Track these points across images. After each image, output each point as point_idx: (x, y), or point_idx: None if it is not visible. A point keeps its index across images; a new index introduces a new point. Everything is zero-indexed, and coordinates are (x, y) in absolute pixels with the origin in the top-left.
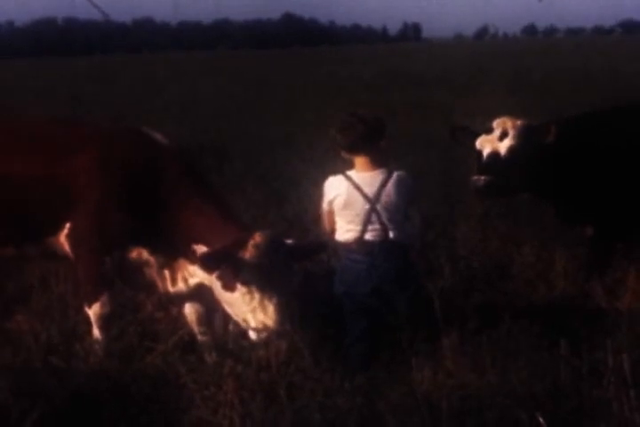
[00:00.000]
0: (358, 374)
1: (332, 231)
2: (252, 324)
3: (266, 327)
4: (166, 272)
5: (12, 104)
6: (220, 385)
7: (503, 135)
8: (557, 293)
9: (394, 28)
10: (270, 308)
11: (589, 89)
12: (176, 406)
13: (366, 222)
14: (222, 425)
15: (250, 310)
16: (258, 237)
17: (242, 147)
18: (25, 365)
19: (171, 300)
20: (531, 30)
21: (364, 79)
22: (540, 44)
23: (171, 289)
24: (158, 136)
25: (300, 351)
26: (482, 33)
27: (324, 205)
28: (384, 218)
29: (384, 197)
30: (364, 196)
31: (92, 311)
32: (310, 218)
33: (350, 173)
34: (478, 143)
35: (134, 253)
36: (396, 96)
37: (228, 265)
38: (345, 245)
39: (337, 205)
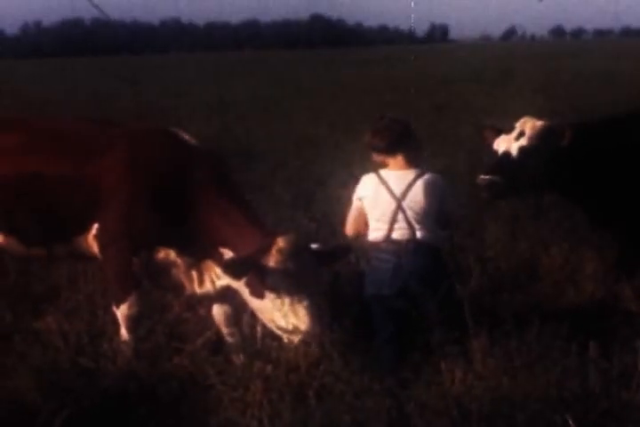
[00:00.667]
0: (388, 375)
1: (355, 231)
2: (286, 329)
3: (299, 331)
4: (194, 273)
5: (40, 104)
6: (248, 386)
7: (519, 135)
8: (586, 295)
9: (421, 29)
10: (301, 311)
11: (617, 90)
12: (204, 408)
13: (393, 221)
14: (250, 426)
15: (282, 316)
16: (281, 242)
17: (270, 147)
18: (53, 365)
19: (198, 301)
20: (558, 31)
21: (391, 80)
22: (567, 46)
23: (198, 290)
24: (187, 137)
25: (330, 353)
26: (509, 34)
27: (353, 202)
28: (410, 217)
29: (411, 196)
30: (391, 193)
31: (120, 312)
32: (338, 219)
33: (382, 171)
34: (496, 143)
35: (162, 254)
36: (424, 97)
37: (253, 272)
38: (373, 245)
39: (367, 204)
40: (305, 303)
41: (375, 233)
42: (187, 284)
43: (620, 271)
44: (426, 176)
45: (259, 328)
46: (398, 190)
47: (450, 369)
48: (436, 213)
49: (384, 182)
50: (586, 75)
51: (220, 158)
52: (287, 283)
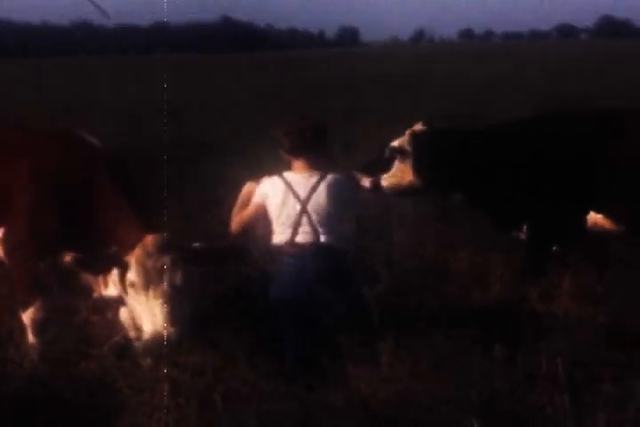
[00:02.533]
0: (294, 379)
1: (240, 228)
2: (145, 326)
3: (154, 330)
4: (102, 278)
5: None
6: (154, 390)
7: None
8: (493, 297)
9: (331, 31)
10: (157, 311)
11: (523, 94)
12: (111, 411)
13: (297, 225)
14: None
15: (142, 311)
16: (147, 240)
17: (179, 151)
18: None
19: (106, 304)
20: (467, 34)
21: (302, 84)
22: (476, 49)
23: (104, 292)
24: (91, 138)
25: (236, 356)
26: (418, 37)
27: (251, 201)
28: (315, 220)
29: (315, 199)
30: (296, 197)
31: (26, 316)
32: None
33: (286, 173)
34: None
35: (68, 258)
36: (334, 101)
37: (113, 268)
38: (277, 248)
39: (272, 207)
40: (160, 301)
41: (280, 236)
42: (95, 286)
43: (526, 273)
44: (329, 178)
45: (165, 331)
46: (303, 194)
47: (356, 372)
48: (341, 215)
49: (289, 185)
50: (492, 79)
51: (120, 157)
52: (147, 280)
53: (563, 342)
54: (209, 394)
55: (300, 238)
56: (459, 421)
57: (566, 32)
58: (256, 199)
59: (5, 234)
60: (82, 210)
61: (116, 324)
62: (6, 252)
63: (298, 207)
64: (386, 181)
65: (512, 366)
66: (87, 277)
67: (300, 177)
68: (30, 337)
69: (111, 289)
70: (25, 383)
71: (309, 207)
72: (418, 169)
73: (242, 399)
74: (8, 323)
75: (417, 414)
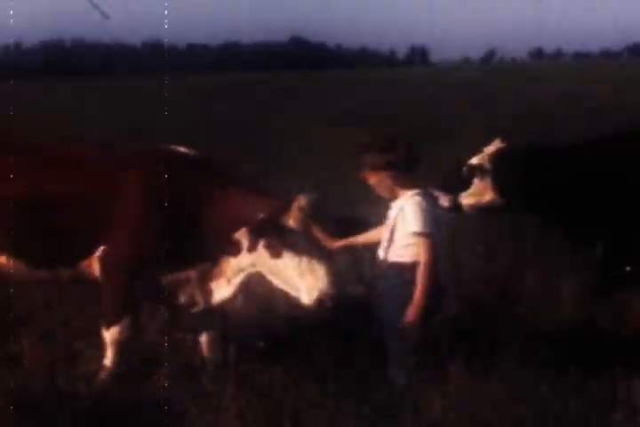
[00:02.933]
0: (364, 400)
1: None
2: (303, 287)
3: (317, 290)
4: (212, 283)
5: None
6: (221, 412)
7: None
8: (564, 319)
9: (401, 51)
10: (320, 269)
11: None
12: None
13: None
14: None
15: (299, 274)
16: (301, 200)
17: (252, 167)
18: (27, 387)
19: (176, 324)
20: (537, 54)
21: (374, 103)
22: (546, 68)
23: (217, 300)
24: (189, 151)
25: (305, 377)
26: (489, 56)
27: (430, 229)
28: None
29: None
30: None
31: (110, 334)
32: None
33: (423, 191)
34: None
35: (171, 274)
36: (405, 121)
37: (273, 231)
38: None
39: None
40: (322, 262)
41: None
42: (201, 297)
43: (598, 295)
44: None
45: (232, 352)
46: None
47: (427, 393)
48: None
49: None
50: (565, 98)
51: (218, 164)
52: (305, 241)
53: (638, 364)
54: (277, 414)
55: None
56: None
57: (637, 51)
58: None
59: (106, 252)
60: (187, 225)
61: (183, 344)
62: (104, 270)
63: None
64: (465, 199)
65: (586, 390)
66: (191, 290)
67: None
68: (109, 356)
69: (227, 291)
70: (92, 402)
71: None
72: (498, 187)
73: (310, 421)
74: (77, 341)
75: None
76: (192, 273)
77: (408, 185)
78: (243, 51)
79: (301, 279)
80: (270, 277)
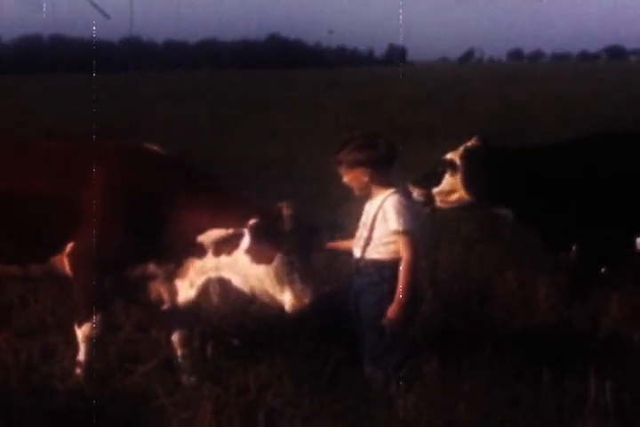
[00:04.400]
0: (338, 399)
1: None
2: (287, 296)
3: (301, 299)
4: (175, 284)
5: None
6: (198, 408)
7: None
8: (539, 319)
9: (379, 50)
10: (308, 279)
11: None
12: None
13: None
14: None
15: (288, 281)
16: (289, 208)
17: (227, 168)
18: (3, 383)
19: (150, 321)
20: (516, 55)
21: (350, 102)
22: (525, 69)
23: (181, 300)
24: (159, 150)
25: (280, 375)
26: (467, 56)
27: (412, 226)
28: None
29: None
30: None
31: (82, 331)
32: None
33: (400, 189)
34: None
35: (138, 271)
36: (383, 119)
37: (256, 239)
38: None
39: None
40: (310, 272)
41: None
42: (167, 296)
43: (573, 295)
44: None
45: (209, 350)
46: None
47: (402, 393)
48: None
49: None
50: (541, 99)
51: (190, 166)
52: (297, 248)
53: (611, 365)
54: (252, 413)
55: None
56: None
57: (615, 53)
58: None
59: (74, 248)
60: (154, 223)
61: (160, 341)
62: (73, 266)
63: None
64: (436, 194)
65: (559, 390)
66: (158, 288)
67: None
68: (81, 352)
69: (189, 293)
70: (68, 399)
71: None
72: (466, 184)
73: (285, 419)
74: (53, 338)
75: None
76: (159, 272)
77: (385, 183)
78: (220, 48)
79: (285, 287)
80: (238, 283)
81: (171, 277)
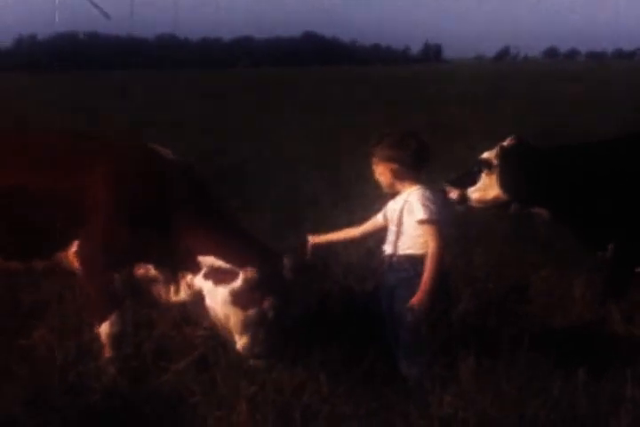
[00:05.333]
0: (374, 398)
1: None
2: (244, 343)
3: (254, 354)
4: (171, 285)
5: (30, 118)
6: (233, 406)
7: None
8: (574, 318)
9: (415, 48)
10: (272, 337)
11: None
12: (189, 426)
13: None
14: None
15: (253, 332)
16: (287, 262)
17: (260, 165)
18: (39, 381)
19: (185, 318)
20: (552, 53)
21: (383, 99)
22: (560, 68)
23: (173, 299)
24: (164, 151)
25: (316, 375)
26: (502, 54)
27: (438, 217)
28: None
29: None
30: (448, 213)
31: (102, 330)
32: None
33: (427, 187)
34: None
35: (141, 270)
36: (416, 116)
37: (258, 287)
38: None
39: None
40: (281, 326)
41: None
42: (163, 294)
43: (609, 294)
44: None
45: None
46: None
47: (438, 391)
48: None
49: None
50: (577, 98)
51: (197, 173)
52: (279, 305)
53: None
54: (287, 412)
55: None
56: None
57: None
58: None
59: (80, 246)
60: (158, 224)
61: (194, 338)
62: (81, 264)
63: None
64: (472, 193)
65: (595, 390)
66: (159, 290)
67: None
68: (107, 351)
69: (181, 294)
70: (104, 397)
71: None
72: (503, 183)
73: (320, 418)
74: (89, 335)
75: None
76: (158, 273)
77: (412, 181)
78: (255, 46)
79: (246, 336)
80: (210, 309)
81: (168, 281)
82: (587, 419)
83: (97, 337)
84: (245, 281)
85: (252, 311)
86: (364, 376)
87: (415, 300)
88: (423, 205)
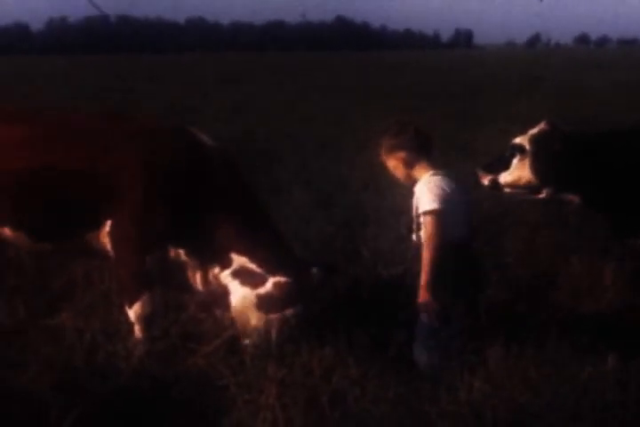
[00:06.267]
0: (403, 382)
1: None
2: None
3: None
4: (199, 272)
5: (63, 100)
6: (262, 389)
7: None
8: (605, 305)
9: (446, 34)
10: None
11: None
12: (217, 409)
13: (470, 224)
14: None
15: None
16: (320, 275)
17: (290, 150)
18: (67, 362)
19: (214, 301)
20: (583, 40)
21: (416, 85)
22: (592, 54)
23: (202, 288)
24: (204, 137)
25: (345, 358)
26: (534, 41)
27: (439, 205)
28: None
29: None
30: (465, 197)
31: (133, 311)
32: (358, 223)
33: (437, 172)
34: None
35: (172, 254)
36: (446, 103)
37: (285, 295)
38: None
39: (450, 206)
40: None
41: (455, 237)
42: (192, 282)
43: (639, 282)
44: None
45: (274, 331)
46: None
47: (467, 377)
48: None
49: (455, 185)
50: (608, 84)
51: (234, 160)
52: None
53: None
54: (316, 395)
55: (470, 239)
56: None
57: None
58: (442, 203)
59: (113, 228)
60: (191, 208)
61: (224, 321)
62: (113, 246)
63: (465, 207)
64: (504, 178)
65: (625, 377)
66: (188, 274)
67: (449, 175)
68: (137, 332)
69: (212, 284)
70: (131, 378)
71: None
72: (535, 168)
73: (349, 401)
74: (116, 317)
75: (526, 421)
76: (188, 259)
77: (423, 167)
78: (286, 30)
79: (256, 335)
80: (233, 309)
81: (196, 269)
82: (616, 406)
83: (125, 319)
84: (274, 289)
85: (274, 317)
86: (394, 360)
87: (419, 297)
88: (422, 195)
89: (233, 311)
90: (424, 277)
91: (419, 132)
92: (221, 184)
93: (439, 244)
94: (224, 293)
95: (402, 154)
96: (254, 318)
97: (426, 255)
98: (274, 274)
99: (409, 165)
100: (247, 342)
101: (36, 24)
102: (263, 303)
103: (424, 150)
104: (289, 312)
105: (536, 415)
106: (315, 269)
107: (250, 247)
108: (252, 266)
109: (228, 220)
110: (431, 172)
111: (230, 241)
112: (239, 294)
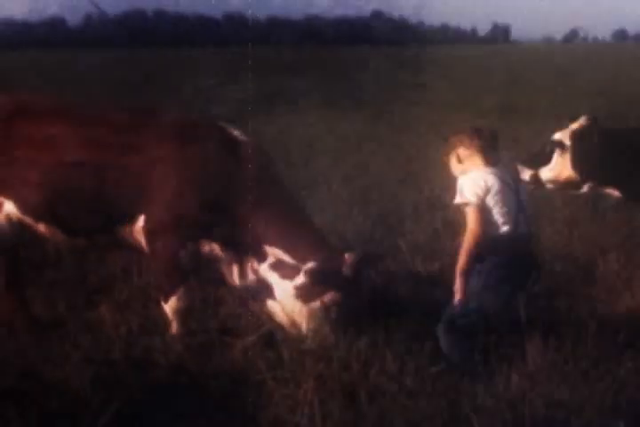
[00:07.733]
0: (441, 377)
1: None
2: (301, 332)
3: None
4: (235, 267)
5: (98, 94)
6: (299, 384)
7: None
8: None
9: (483, 29)
10: (327, 328)
11: None
12: (254, 403)
13: (517, 218)
14: (300, 424)
15: (313, 325)
16: (352, 259)
17: (328, 144)
18: (105, 356)
19: (252, 295)
20: (621, 35)
21: (454, 80)
22: (630, 50)
23: (238, 283)
24: (236, 131)
25: (383, 353)
26: (571, 36)
27: (475, 200)
28: (525, 213)
29: (522, 191)
30: (514, 189)
31: (169, 305)
32: (394, 217)
33: (489, 168)
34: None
35: (206, 248)
36: (487, 98)
37: (321, 282)
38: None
39: (490, 201)
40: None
41: (500, 231)
42: (227, 276)
43: None
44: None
45: (311, 325)
46: (515, 186)
47: (505, 372)
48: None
49: (503, 179)
50: None
51: (266, 154)
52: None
53: None
54: (354, 390)
55: (520, 229)
56: (607, 425)
57: None
58: (479, 198)
59: (148, 221)
60: (225, 203)
61: (262, 316)
62: (148, 240)
63: (515, 199)
64: (544, 174)
65: None
66: (222, 268)
67: (502, 170)
68: (173, 327)
69: (248, 278)
70: (169, 373)
71: (520, 198)
72: (575, 163)
73: (387, 396)
74: (154, 310)
75: (564, 417)
76: (223, 254)
77: (476, 163)
78: (323, 25)
79: (304, 327)
80: (271, 302)
81: (231, 264)
82: None
83: (162, 312)
84: (307, 276)
85: (314, 305)
86: (431, 356)
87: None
88: (460, 189)
89: (278, 305)
90: (458, 266)
91: (476, 130)
92: (253, 178)
93: (476, 235)
94: (262, 286)
95: (460, 149)
96: (298, 309)
97: (464, 246)
98: (305, 261)
99: (464, 159)
100: (284, 336)
101: (74, 19)
102: (302, 292)
103: (481, 146)
104: (327, 298)
105: (573, 411)
106: (347, 255)
107: (283, 239)
108: (286, 257)
109: (260, 213)
110: (480, 167)
111: (264, 234)
112: (282, 287)
